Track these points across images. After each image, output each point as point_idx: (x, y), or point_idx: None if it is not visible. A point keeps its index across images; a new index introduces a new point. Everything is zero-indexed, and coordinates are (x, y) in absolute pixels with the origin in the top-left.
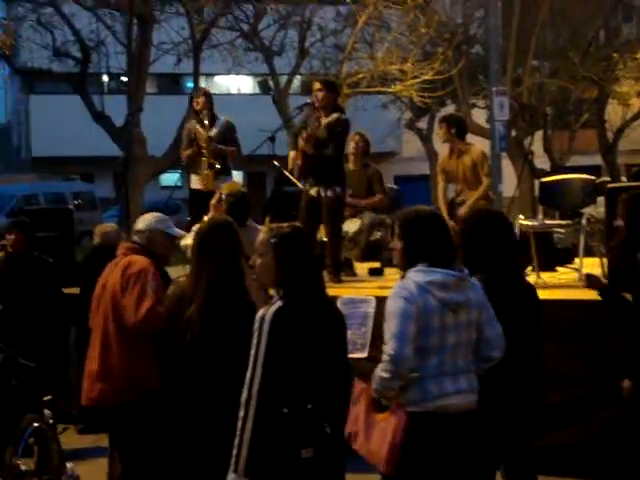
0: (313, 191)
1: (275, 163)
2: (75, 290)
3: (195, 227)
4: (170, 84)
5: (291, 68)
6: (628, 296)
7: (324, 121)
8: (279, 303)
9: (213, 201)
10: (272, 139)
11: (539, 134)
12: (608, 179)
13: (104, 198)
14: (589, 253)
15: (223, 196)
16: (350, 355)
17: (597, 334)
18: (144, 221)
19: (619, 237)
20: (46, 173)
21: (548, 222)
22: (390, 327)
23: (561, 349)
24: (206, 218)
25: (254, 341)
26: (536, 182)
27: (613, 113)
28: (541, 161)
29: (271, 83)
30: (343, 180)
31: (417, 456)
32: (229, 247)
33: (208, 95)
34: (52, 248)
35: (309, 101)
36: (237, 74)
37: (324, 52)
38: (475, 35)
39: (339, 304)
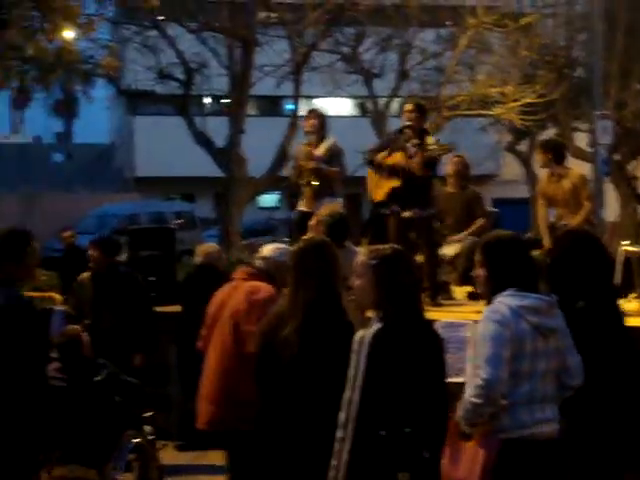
0: (407, 213)
1: None
2: (176, 308)
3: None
4: (270, 106)
5: (390, 90)
6: None
7: (414, 142)
8: (378, 325)
9: (312, 222)
10: (370, 161)
11: None
12: None
13: (204, 218)
14: None
15: (322, 217)
16: (449, 380)
17: None
18: (269, 250)
19: None
20: (148, 193)
21: None
22: (483, 351)
23: None
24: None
25: (353, 362)
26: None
27: None
28: None
29: (370, 105)
30: (434, 201)
31: None
32: (326, 267)
33: (320, 116)
34: (154, 266)
35: (407, 123)
36: (336, 96)
37: (424, 74)
38: (577, 58)
39: (438, 328)
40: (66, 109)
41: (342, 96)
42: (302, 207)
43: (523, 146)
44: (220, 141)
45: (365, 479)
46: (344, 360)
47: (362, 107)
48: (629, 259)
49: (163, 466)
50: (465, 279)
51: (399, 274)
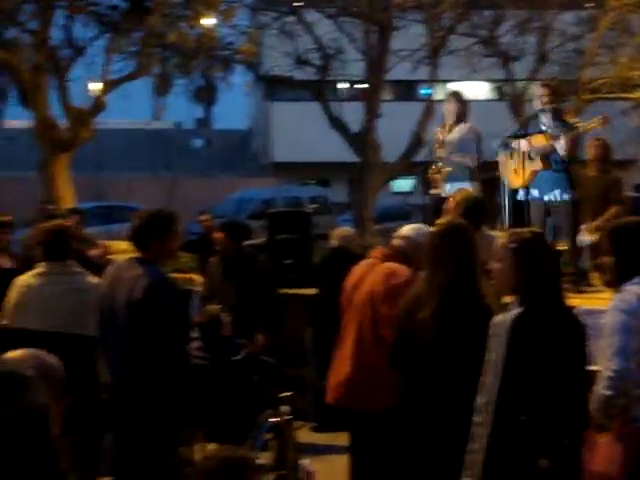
0: (549, 197)
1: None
2: (312, 291)
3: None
4: (405, 90)
5: (529, 73)
6: None
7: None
8: (518, 309)
9: (448, 205)
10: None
11: None
12: None
13: (338, 203)
14: None
15: (458, 201)
16: (589, 367)
17: None
18: (408, 230)
19: None
20: (284, 178)
21: None
22: (611, 342)
23: None
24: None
25: (492, 347)
26: None
27: None
28: None
29: (508, 89)
30: (576, 185)
31: None
32: (464, 250)
33: (460, 100)
34: (291, 250)
35: (547, 107)
36: (473, 80)
37: (563, 57)
38: None
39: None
40: (206, 95)
41: (479, 80)
42: (436, 192)
43: None
44: (355, 126)
45: (505, 464)
46: (481, 344)
47: (499, 91)
48: None
49: (300, 446)
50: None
51: (539, 258)
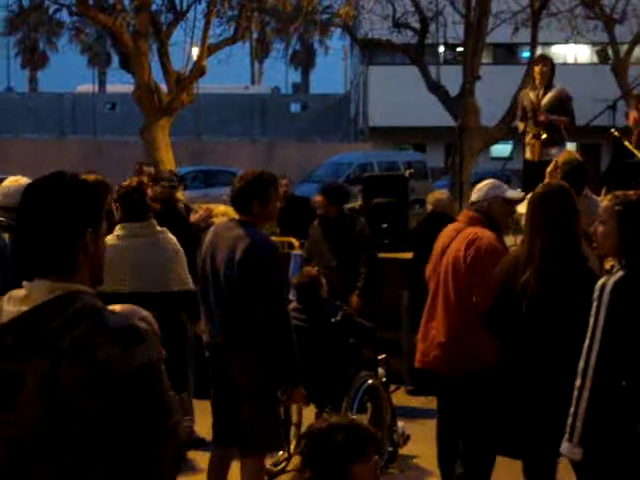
0: None
1: (614, 133)
2: (408, 255)
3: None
4: (506, 54)
5: (633, 37)
6: None
7: None
8: (621, 273)
9: (549, 169)
10: (613, 108)
11: None
12: None
13: (435, 168)
14: None
15: (559, 164)
16: None
17: None
18: (480, 190)
19: None
20: (381, 142)
21: None
22: None
23: None
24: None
25: (593, 310)
26: None
27: None
28: None
29: (610, 52)
30: None
31: None
32: (565, 213)
33: (550, 63)
34: (387, 214)
35: None
36: (575, 43)
37: None
38: None
39: None
40: (304, 60)
41: (581, 43)
42: (528, 156)
43: None
44: (454, 90)
45: (603, 428)
46: (585, 308)
47: (602, 54)
48: None
49: (395, 409)
50: None
51: None
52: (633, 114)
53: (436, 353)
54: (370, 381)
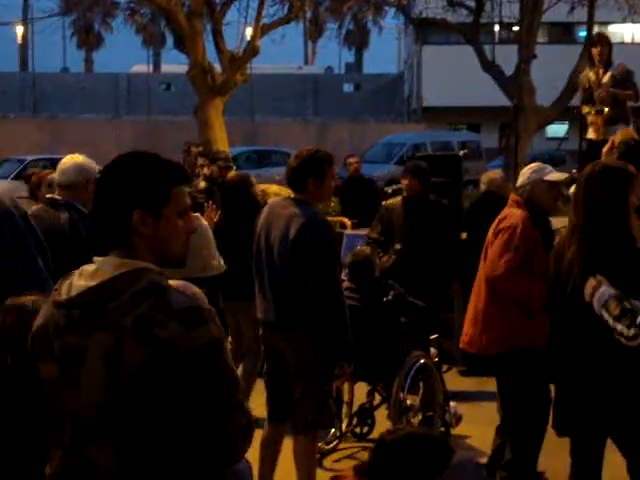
0: None
1: None
2: (462, 236)
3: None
4: (561, 33)
5: None
6: None
7: None
8: None
9: (605, 148)
10: None
11: None
12: None
13: (489, 148)
14: None
15: (615, 143)
16: None
17: None
18: (523, 175)
19: None
20: (434, 122)
21: None
22: None
23: None
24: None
25: None
26: None
27: None
28: None
29: None
30: None
31: None
32: (615, 192)
33: (608, 42)
34: (441, 194)
35: None
36: (633, 22)
37: None
38: None
39: None
40: (357, 39)
41: (639, 22)
42: (591, 136)
43: None
44: (509, 70)
45: None
46: (633, 289)
47: None
48: None
49: (447, 389)
50: None
51: None
52: None
53: (470, 332)
54: (422, 360)
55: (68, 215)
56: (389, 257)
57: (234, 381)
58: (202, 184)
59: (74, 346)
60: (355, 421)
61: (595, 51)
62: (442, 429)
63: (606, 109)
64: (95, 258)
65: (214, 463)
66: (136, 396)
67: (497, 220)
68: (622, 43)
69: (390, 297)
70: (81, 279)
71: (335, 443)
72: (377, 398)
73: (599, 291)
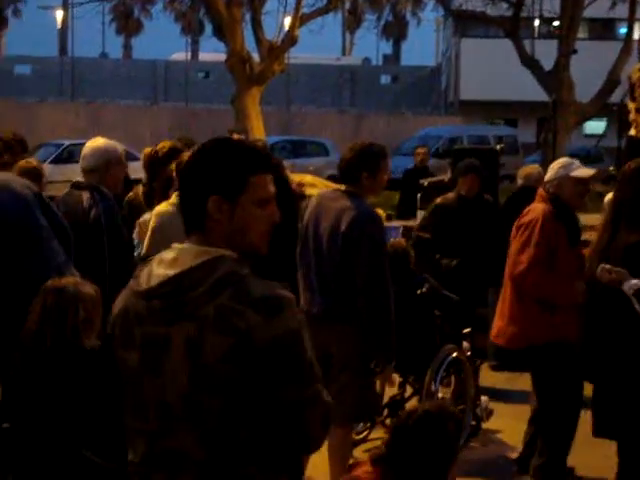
0: None
1: None
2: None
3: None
4: (602, 29)
5: None
6: None
7: None
8: None
9: None
10: None
11: None
12: None
13: (526, 143)
14: None
15: None
16: None
17: None
18: (552, 169)
19: None
20: (471, 116)
21: None
22: None
23: None
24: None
25: None
26: None
27: None
28: None
29: None
30: None
31: None
32: None
33: None
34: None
35: None
36: None
37: None
38: None
39: None
40: (395, 31)
41: None
42: (633, 133)
43: None
44: (548, 65)
45: None
46: None
47: None
48: None
49: (479, 383)
50: None
51: None
52: None
53: (499, 324)
54: (455, 354)
55: (90, 197)
56: (450, 260)
57: (312, 371)
58: None
59: (156, 335)
60: (386, 412)
61: None
62: (473, 423)
63: None
64: (173, 245)
65: (293, 451)
66: (218, 385)
67: (521, 215)
68: None
69: (424, 290)
70: (160, 267)
71: (366, 433)
72: (408, 390)
73: (629, 283)
